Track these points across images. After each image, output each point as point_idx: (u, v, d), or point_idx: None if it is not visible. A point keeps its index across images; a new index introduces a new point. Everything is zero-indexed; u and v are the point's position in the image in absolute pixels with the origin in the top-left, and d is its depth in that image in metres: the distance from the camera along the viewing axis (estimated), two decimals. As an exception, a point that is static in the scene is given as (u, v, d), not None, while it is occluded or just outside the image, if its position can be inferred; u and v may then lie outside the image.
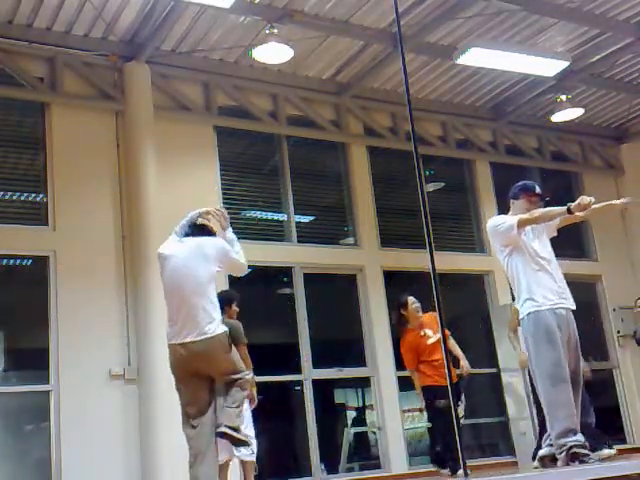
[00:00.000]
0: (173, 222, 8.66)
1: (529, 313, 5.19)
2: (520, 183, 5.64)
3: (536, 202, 5.49)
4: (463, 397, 7.19)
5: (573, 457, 4.88)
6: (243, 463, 6.51)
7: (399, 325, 7.52)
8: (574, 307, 5.34)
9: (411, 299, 7.36)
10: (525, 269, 5.25)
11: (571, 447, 4.89)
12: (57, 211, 8.36)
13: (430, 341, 7.27)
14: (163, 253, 5.21)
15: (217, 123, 9.62)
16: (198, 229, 5.32)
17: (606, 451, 6.48)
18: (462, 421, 7.07)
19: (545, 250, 5.37)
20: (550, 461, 5.21)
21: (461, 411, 7.04)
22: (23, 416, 8.11)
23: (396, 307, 7.54)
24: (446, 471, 7.10)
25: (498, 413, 10.65)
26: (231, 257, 5.19)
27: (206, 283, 4.96)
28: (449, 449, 6.95)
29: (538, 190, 5.55)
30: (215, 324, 4.93)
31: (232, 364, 4.94)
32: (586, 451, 4.91)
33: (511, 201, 5.57)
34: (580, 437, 4.96)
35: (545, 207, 5.47)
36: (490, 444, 10.79)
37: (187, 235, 5.27)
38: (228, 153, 9.68)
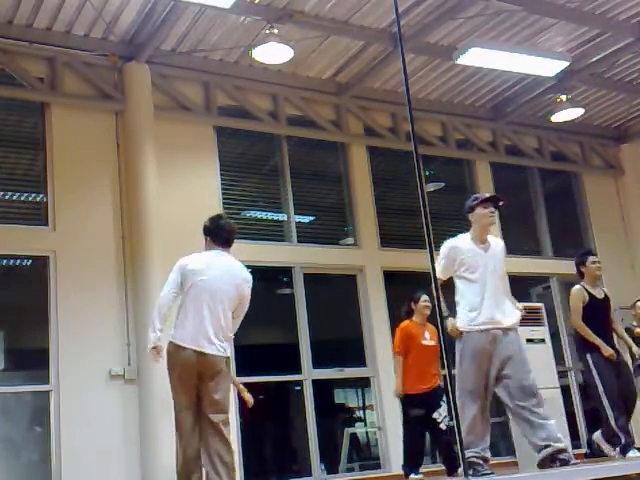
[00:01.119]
0: (173, 222, 8.72)
1: (461, 332, 5.45)
2: (471, 197, 5.78)
3: (489, 207, 5.61)
4: (445, 404, 7.22)
5: (470, 465, 5.16)
6: None
7: (405, 316, 7.58)
8: (513, 325, 5.51)
9: (424, 297, 7.46)
10: (463, 292, 5.52)
11: (470, 457, 5.19)
12: (57, 211, 8.36)
13: (424, 342, 7.33)
14: (206, 261, 5.26)
15: (217, 123, 9.62)
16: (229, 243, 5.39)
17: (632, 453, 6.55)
18: (442, 426, 7.13)
19: (491, 273, 5.52)
20: (551, 462, 5.23)
21: (439, 416, 7.12)
22: (23, 416, 8.11)
23: (408, 300, 7.59)
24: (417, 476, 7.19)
25: (498, 413, 10.64)
26: (241, 316, 5.35)
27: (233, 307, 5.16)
28: (415, 455, 7.25)
29: (487, 195, 5.74)
30: (230, 346, 5.20)
31: (226, 396, 5.16)
32: (481, 462, 5.30)
33: (468, 216, 5.70)
34: (480, 451, 5.35)
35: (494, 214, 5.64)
36: (490, 444, 10.76)
37: (224, 239, 5.31)
38: (228, 153, 9.68)
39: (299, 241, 9.82)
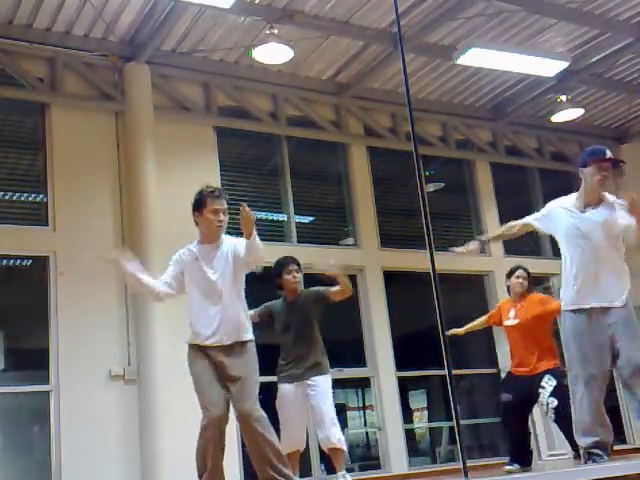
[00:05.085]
0: (173, 222, 8.70)
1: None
2: (589, 149, 5.21)
3: (607, 168, 4.97)
4: (543, 390, 6.36)
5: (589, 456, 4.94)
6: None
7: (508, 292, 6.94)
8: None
9: (518, 272, 6.64)
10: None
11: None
12: (57, 211, 8.36)
13: (506, 322, 6.68)
14: None
15: (217, 123, 9.61)
16: None
17: None
18: (550, 415, 6.30)
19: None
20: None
21: (543, 402, 6.33)
22: (23, 416, 8.11)
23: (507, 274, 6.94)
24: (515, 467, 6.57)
25: (498, 413, 10.64)
26: None
27: None
28: (521, 446, 6.61)
29: (609, 154, 5.00)
30: None
31: None
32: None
33: (580, 170, 5.12)
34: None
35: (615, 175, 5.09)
36: (490, 444, 10.78)
37: None
38: (228, 153, 9.68)
39: (299, 241, 9.81)
